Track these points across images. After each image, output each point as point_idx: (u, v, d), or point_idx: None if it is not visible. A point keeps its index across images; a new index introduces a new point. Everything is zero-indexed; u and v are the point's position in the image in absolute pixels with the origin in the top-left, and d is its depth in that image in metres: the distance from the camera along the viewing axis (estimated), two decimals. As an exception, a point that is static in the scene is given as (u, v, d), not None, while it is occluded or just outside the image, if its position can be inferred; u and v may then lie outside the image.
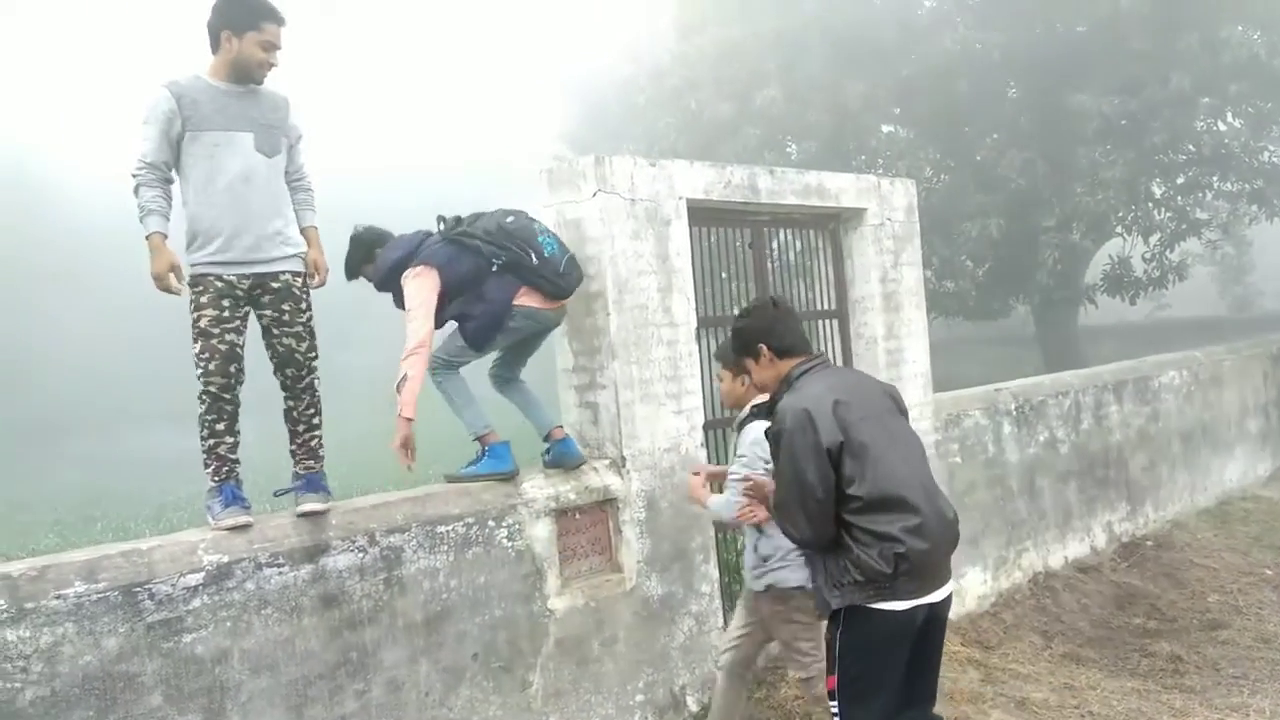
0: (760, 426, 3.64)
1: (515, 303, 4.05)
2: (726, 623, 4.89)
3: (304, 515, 3.48)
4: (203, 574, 3.18)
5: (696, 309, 4.81)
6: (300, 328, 3.57)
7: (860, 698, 3.02)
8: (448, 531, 3.78)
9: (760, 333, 3.28)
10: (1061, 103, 12.91)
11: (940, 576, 3.05)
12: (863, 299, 5.80)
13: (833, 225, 5.85)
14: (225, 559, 3.23)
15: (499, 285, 4.04)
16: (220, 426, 3.47)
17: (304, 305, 3.59)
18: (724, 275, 5.42)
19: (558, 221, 4.50)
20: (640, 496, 4.42)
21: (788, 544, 3.60)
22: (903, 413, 3.26)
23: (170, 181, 3.44)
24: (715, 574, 4.74)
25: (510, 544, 3.95)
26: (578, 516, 4.23)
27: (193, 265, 3.43)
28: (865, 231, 5.77)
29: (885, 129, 15.39)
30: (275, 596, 3.32)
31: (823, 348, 5.74)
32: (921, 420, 5.95)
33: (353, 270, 4.21)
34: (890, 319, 5.84)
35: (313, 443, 3.70)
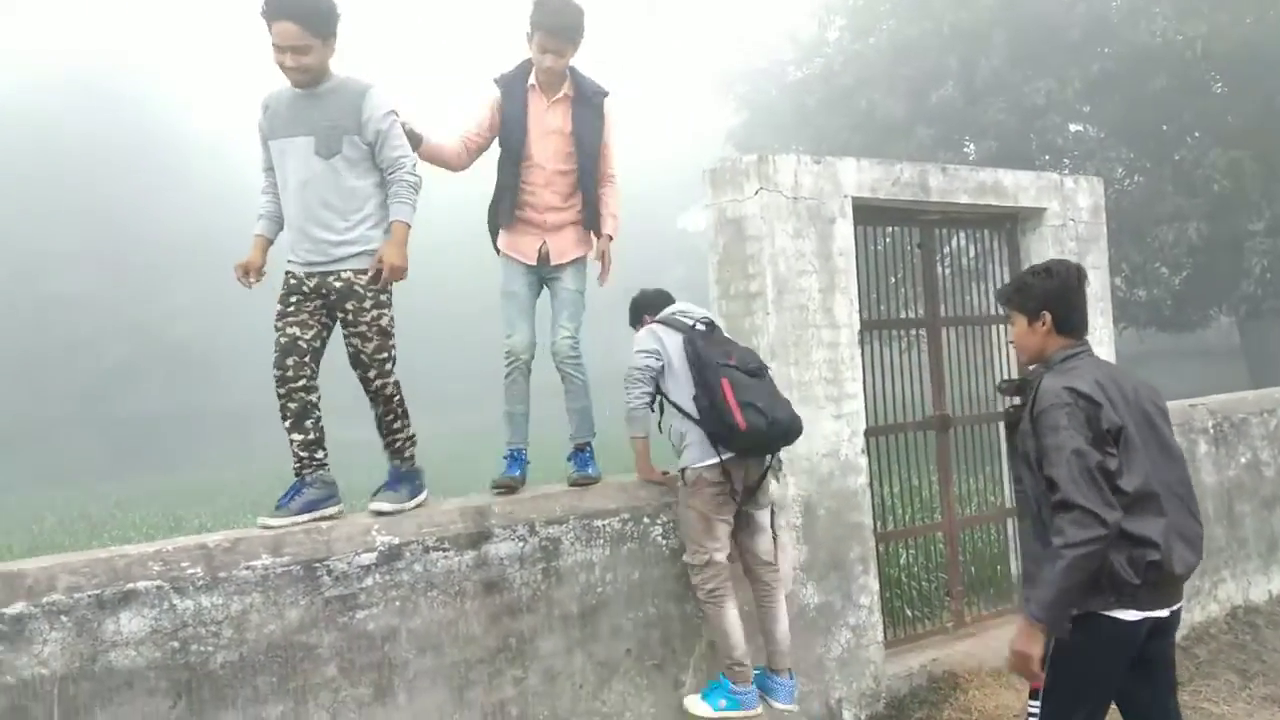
0: (647, 334, 3.89)
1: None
2: (887, 638, 4.75)
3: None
4: (375, 554, 3.35)
5: (861, 311, 4.69)
6: (365, 327, 3.50)
7: (1065, 705, 2.86)
8: (604, 526, 3.84)
9: (1052, 297, 2.99)
10: (1274, 98, 11.88)
11: (1180, 591, 2.87)
12: (1041, 304, 5.49)
13: (1009, 226, 5.58)
14: (396, 540, 3.40)
15: None
16: (286, 424, 3.48)
17: (368, 304, 3.49)
18: (894, 279, 5.28)
19: (719, 220, 4.49)
20: (797, 502, 4.35)
21: (689, 427, 3.73)
22: (1165, 416, 3.00)
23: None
24: (875, 586, 4.60)
25: (664, 541, 3.97)
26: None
27: None
28: (1045, 232, 5.48)
29: (1073, 128, 14.60)
30: (441, 579, 3.46)
31: (996, 354, 5.49)
32: (1104, 434, 5.59)
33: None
34: (1071, 326, 5.51)
35: (396, 444, 3.72)
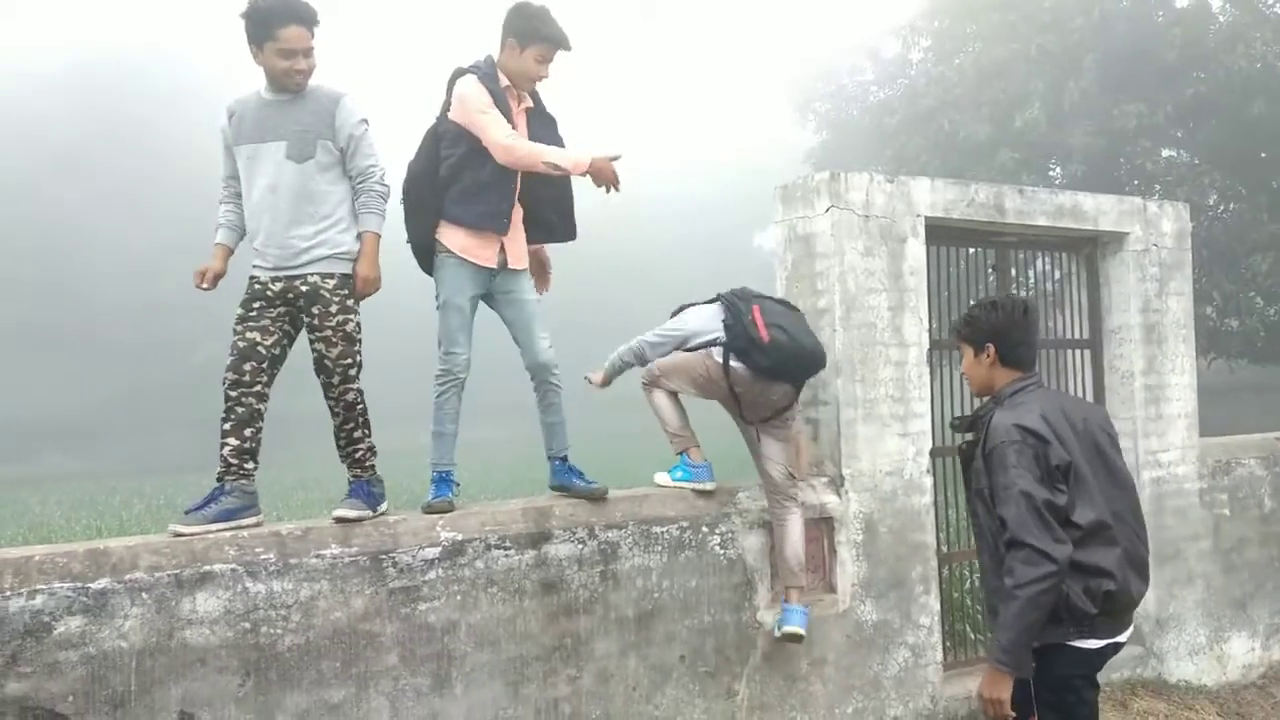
0: (697, 310, 4.04)
1: None
2: (946, 661, 4.68)
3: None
4: (439, 548, 3.45)
5: (931, 330, 4.66)
6: (330, 332, 3.45)
7: None
8: (662, 533, 3.88)
9: (997, 331, 3.08)
10: (1383, 123, 11.40)
11: (1131, 616, 2.96)
12: (1119, 329, 5.38)
13: (1088, 249, 5.48)
14: (460, 536, 3.49)
15: None
16: (226, 426, 3.42)
17: (334, 309, 3.45)
18: (972, 301, 5.21)
19: (789, 237, 4.52)
20: (858, 518, 4.33)
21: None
22: (1115, 443, 3.05)
23: (240, 195, 3.59)
24: (936, 607, 4.55)
25: (722, 551, 3.99)
26: (793, 532, 4.20)
27: None
28: (1126, 257, 5.36)
29: (1165, 153, 14.21)
30: (501, 577, 3.54)
31: (1071, 380, 5.38)
32: (1184, 465, 5.44)
33: None
34: (1151, 352, 5.38)
35: (356, 454, 3.63)
